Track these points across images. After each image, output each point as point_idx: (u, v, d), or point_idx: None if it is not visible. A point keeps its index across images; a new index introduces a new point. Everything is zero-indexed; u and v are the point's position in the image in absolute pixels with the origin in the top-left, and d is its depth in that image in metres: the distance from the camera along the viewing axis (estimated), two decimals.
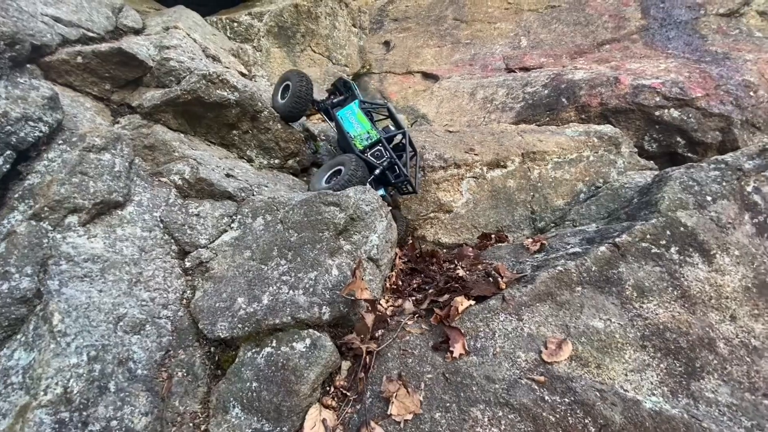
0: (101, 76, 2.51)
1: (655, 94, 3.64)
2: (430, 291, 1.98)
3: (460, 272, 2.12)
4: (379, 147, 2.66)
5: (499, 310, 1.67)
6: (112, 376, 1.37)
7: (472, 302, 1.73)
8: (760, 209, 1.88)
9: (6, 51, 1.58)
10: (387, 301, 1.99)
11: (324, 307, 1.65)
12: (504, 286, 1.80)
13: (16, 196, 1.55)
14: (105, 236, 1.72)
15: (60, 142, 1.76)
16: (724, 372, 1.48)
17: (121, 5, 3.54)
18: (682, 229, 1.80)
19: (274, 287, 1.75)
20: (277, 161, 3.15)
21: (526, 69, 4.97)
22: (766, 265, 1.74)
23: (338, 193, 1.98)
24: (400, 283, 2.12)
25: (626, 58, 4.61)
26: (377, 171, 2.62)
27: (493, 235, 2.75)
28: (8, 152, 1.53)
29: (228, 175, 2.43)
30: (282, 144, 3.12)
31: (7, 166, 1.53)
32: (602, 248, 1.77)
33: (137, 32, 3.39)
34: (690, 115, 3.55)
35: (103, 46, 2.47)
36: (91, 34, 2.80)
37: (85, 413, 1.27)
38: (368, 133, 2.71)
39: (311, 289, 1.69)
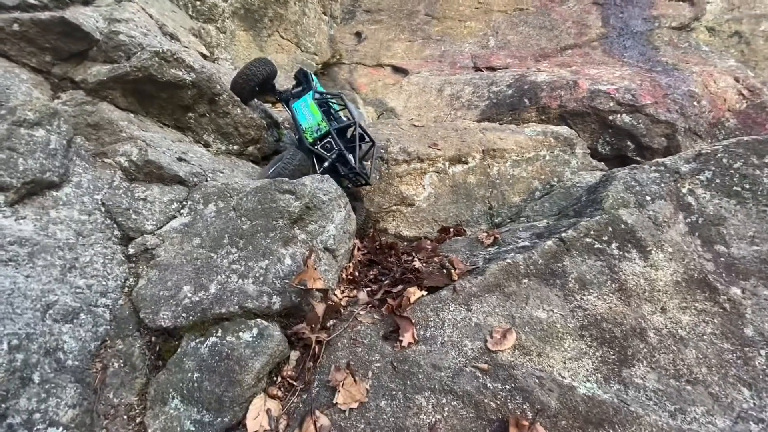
0: (41, 47, 2.32)
1: (610, 100, 3.83)
2: (386, 282, 1.99)
3: (417, 264, 2.14)
4: (329, 139, 2.63)
5: (449, 300, 1.70)
6: (36, 367, 1.27)
7: (425, 293, 1.75)
8: (693, 209, 2.01)
9: None
10: (342, 292, 1.97)
11: (274, 296, 1.62)
12: (456, 278, 1.84)
13: None
14: (36, 218, 1.59)
15: None
16: (653, 360, 1.58)
17: None
18: (622, 226, 1.90)
19: (223, 276, 1.69)
20: (236, 147, 3.05)
21: (492, 68, 5.08)
22: (695, 262, 1.87)
23: (294, 180, 1.94)
24: (357, 274, 2.11)
25: (586, 63, 4.81)
26: (326, 163, 2.61)
27: (451, 229, 2.80)
28: None
29: (180, 159, 2.32)
30: (242, 130, 3.02)
31: None
32: (549, 242, 1.84)
33: (86, 2, 3.14)
34: (640, 121, 3.75)
35: (44, 15, 2.27)
36: (32, 1, 2.58)
37: (3, 405, 1.18)
38: (318, 125, 2.69)
39: (261, 278, 1.65)
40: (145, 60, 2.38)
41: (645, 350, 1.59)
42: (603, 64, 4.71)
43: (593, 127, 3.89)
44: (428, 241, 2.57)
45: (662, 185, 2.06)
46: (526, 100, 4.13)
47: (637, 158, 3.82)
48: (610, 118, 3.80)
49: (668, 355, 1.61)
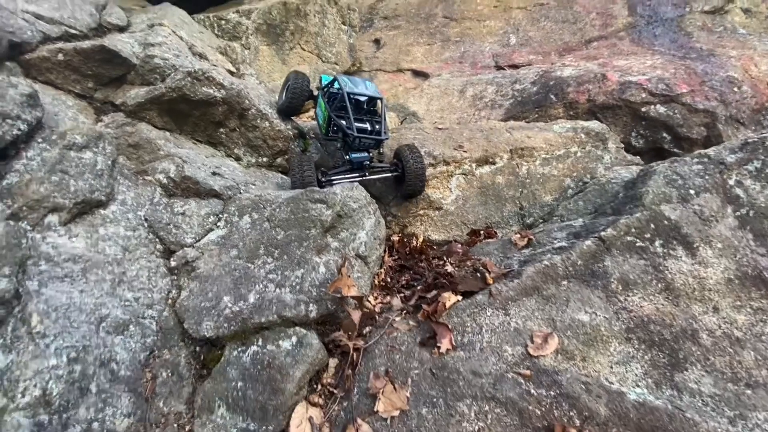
0: (84, 74, 2.47)
1: (642, 91, 3.68)
2: (419, 287, 1.98)
3: (449, 268, 2.12)
4: (332, 124, 2.78)
5: (486, 305, 1.67)
6: (93, 378, 1.34)
7: (460, 298, 1.73)
8: (742, 202, 1.90)
9: None
10: (375, 298, 1.98)
11: (311, 304, 1.64)
12: (491, 281, 1.81)
13: None
14: (87, 236, 1.69)
15: (40, 140, 1.72)
16: (708, 363, 1.49)
17: (105, 2, 3.49)
18: (665, 222, 1.82)
19: (261, 285, 1.73)
20: (265, 159, 3.13)
21: (515, 66, 4.99)
22: (748, 257, 1.76)
23: (325, 190, 1.97)
24: (389, 279, 2.11)
25: (614, 55, 4.65)
26: (338, 143, 2.83)
27: (482, 231, 2.76)
28: None
29: (214, 173, 2.40)
30: (270, 142, 3.10)
31: None
32: (588, 242, 1.78)
33: (122, 30, 3.34)
34: (676, 111, 3.59)
35: (86, 44, 2.42)
36: (73, 32, 2.76)
37: (65, 415, 1.25)
38: (323, 113, 2.86)
39: (298, 287, 1.68)
40: (178, 80, 2.49)
41: (698, 353, 1.51)
42: (632, 54, 4.54)
43: (625, 120, 3.75)
44: (459, 245, 2.54)
45: (707, 177, 1.96)
46: (552, 96, 4.03)
47: (675, 150, 3.65)
48: (643, 109, 3.65)
49: (724, 358, 1.52)
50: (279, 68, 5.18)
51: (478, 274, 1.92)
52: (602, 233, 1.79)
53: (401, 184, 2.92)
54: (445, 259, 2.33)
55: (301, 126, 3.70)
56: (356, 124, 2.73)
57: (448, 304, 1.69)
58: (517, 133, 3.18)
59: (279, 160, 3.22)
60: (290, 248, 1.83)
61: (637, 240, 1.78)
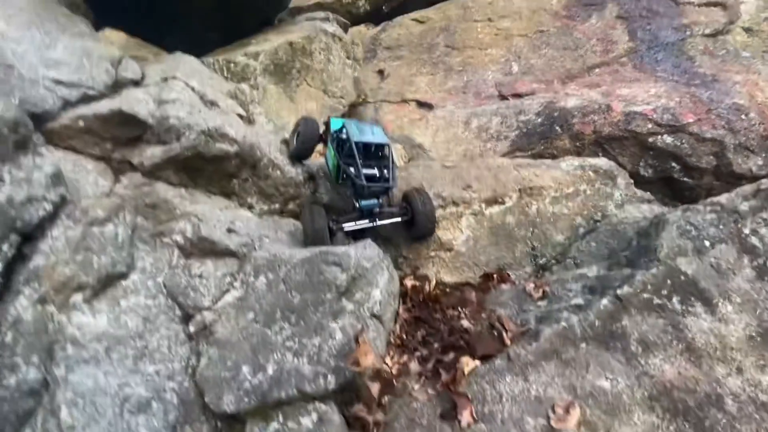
0: (102, 137, 2.56)
1: (648, 121, 3.69)
2: (435, 346, 1.98)
3: (465, 323, 2.12)
4: (342, 171, 2.84)
5: (505, 370, 1.67)
6: None
7: (478, 363, 1.73)
8: (758, 252, 1.88)
9: (10, 136, 1.62)
10: (392, 358, 1.98)
11: (329, 375, 1.65)
12: (509, 342, 1.80)
13: (22, 279, 1.57)
14: (109, 310, 1.73)
15: (64, 217, 1.78)
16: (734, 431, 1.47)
17: (120, 57, 3.63)
18: (682, 277, 1.81)
19: (279, 354, 1.75)
20: (277, 206, 3.18)
21: (518, 95, 5.05)
22: None
23: (339, 252, 2.00)
24: (405, 336, 2.12)
25: (616, 81, 4.68)
26: (348, 192, 2.90)
27: (495, 275, 2.76)
28: (13, 237, 1.55)
29: (229, 231, 2.45)
30: (281, 189, 3.16)
31: (13, 251, 1.55)
32: (604, 301, 1.77)
33: (136, 83, 3.46)
34: (683, 141, 3.59)
35: (104, 109, 2.52)
36: (91, 93, 2.86)
37: None
38: (333, 160, 2.94)
39: (316, 357, 1.69)
40: (193, 140, 2.57)
41: (724, 421, 1.48)
42: (635, 80, 4.57)
43: (632, 151, 3.76)
44: (473, 292, 2.54)
45: (721, 227, 1.95)
46: (557, 128, 4.06)
47: (685, 179, 3.64)
48: (650, 140, 3.66)
49: (750, 425, 1.49)
50: (287, 105, 5.30)
51: (495, 333, 1.92)
52: (619, 291, 1.79)
53: (411, 228, 2.95)
54: (459, 309, 2.34)
55: (311, 168, 3.77)
56: (365, 170, 2.80)
57: (466, 371, 1.69)
58: (524, 171, 3.20)
59: (290, 205, 3.27)
60: (306, 313, 1.85)
61: (655, 297, 1.77)
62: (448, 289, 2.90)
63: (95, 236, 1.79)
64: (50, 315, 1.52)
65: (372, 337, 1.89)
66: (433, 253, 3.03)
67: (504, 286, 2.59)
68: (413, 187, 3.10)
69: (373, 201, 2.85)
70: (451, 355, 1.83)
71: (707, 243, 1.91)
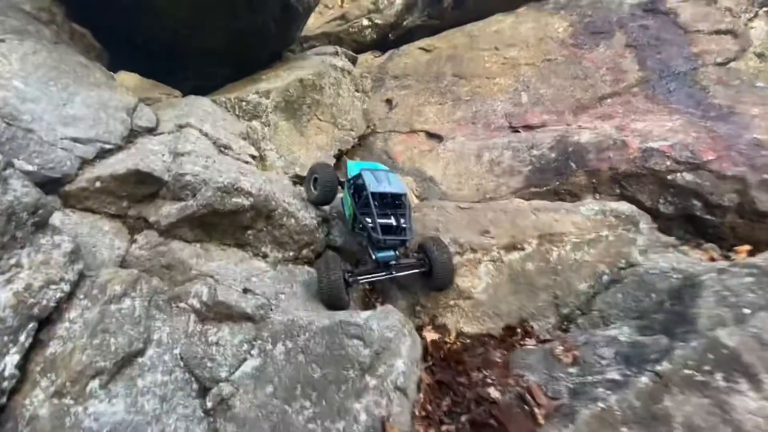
0: (119, 196, 2.55)
1: (666, 158, 3.63)
2: (463, 420, 1.89)
3: (491, 391, 2.03)
4: (358, 221, 2.82)
5: None
6: None
7: None
8: None
9: (29, 219, 1.60)
10: None
11: None
12: (542, 421, 1.71)
13: (39, 369, 1.52)
14: (126, 394, 1.67)
15: (81, 296, 1.75)
16: None
17: (135, 104, 3.67)
18: (724, 351, 1.71)
19: None
20: (291, 254, 3.14)
21: (529, 127, 5.02)
22: None
23: (360, 323, 1.93)
24: (429, 407, 2.02)
25: (629, 113, 4.64)
26: (364, 242, 2.89)
27: (518, 329, 2.67)
28: (31, 325, 1.51)
29: (245, 291, 2.40)
30: (296, 237, 3.12)
31: (30, 340, 1.51)
32: (644, 379, 1.68)
33: (151, 131, 3.49)
34: (704, 179, 3.51)
35: (120, 168, 2.51)
36: (107, 147, 2.88)
37: None
38: (349, 208, 2.95)
39: None
40: (209, 197, 2.55)
41: None
42: (648, 112, 4.53)
43: (651, 188, 3.68)
44: (497, 350, 2.44)
45: (759, 292, 1.86)
46: (572, 164, 4.01)
47: (707, 216, 3.54)
48: (669, 177, 3.58)
49: None
50: (297, 140, 5.32)
51: (526, 407, 1.83)
52: (658, 368, 1.69)
53: (429, 278, 2.89)
54: (484, 372, 2.24)
55: (324, 210, 3.74)
56: (381, 221, 2.76)
57: None
58: (543, 215, 3.14)
59: (305, 251, 3.23)
60: (328, 392, 1.77)
61: (696, 374, 1.67)
62: (468, 341, 2.81)
63: (112, 315, 1.74)
64: (67, 408, 1.47)
65: (396, 412, 1.81)
66: (452, 302, 2.95)
67: (529, 343, 2.49)
68: (430, 236, 3.05)
69: (390, 253, 2.80)
70: None
71: (747, 310, 1.82)
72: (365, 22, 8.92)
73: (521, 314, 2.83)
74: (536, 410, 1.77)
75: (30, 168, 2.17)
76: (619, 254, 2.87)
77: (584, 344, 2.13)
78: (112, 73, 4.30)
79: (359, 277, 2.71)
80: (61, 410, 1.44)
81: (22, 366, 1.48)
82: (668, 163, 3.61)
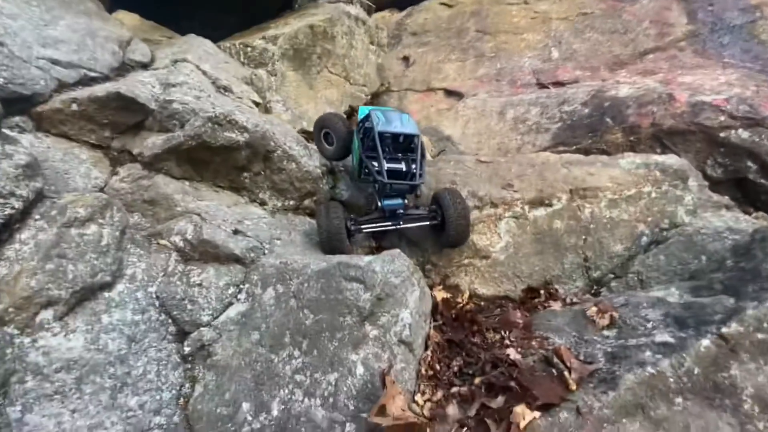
0: (99, 123, 2.28)
1: (719, 113, 3.18)
2: (477, 382, 1.62)
3: (511, 352, 1.75)
4: (364, 166, 2.53)
5: (574, 428, 1.29)
6: None
7: (537, 414, 1.35)
8: None
9: None
10: (423, 395, 1.63)
11: (347, 424, 1.32)
12: (574, 387, 1.42)
13: None
14: (87, 329, 1.44)
15: (37, 216, 1.50)
16: None
17: (129, 38, 3.36)
18: None
19: (286, 390, 1.43)
20: (292, 203, 2.86)
21: (560, 84, 4.56)
22: None
23: (362, 265, 1.65)
24: (438, 366, 1.76)
25: (675, 68, 4.14)
26: (369, 189, 2.66)
27: (541, 291, 2.37)
28: None
29: (236, 232, 2.14)
30: (297, 184, 2.83)
31: None
32: (705, 342, 1.36)
33: (145, 66, 3.19)
34: (763, 137, 3.06)
35: (100, 91, 2.24)
36: (92, 75, 2.60)
37: None
38: (356, 154, 2.65)
39: (331, 399, 1.36)
40: (198, 127, 2.27)
41: None
42: (698, 67, 4.02)
43: (699, 147, 3.25)
44: (516, 312, 2.15)
45: None
46: (608, 120, 3.58)
47: (762, 181, 3.12)
48: (722, 135, 3.15)
49: None
50: (306, 93, 4.97)
51: (554, 371, 1.54)
52: (724, 329, 1.37)
53: (441, 233, 2.57)
54: (502, 333, 1.96)
55: (330, 162, 3.43)
56: (389, 165, 2.45)
57: (522, 425, 1.32)
58: (576, 169, 2.77)
59: (307, 202, 2.94)
60: (321, 340, 1.51)
61: None
62: (483, 303, 2.53)
63: (72, 240, 1.50)
64: (9, 338, 1.25)
65: (400, 368, 1.55)
66: (466, 261, 2.64)
67: (554, 305, 2.19)
68: (445, 186, 2.71)
69: (398, 201, 2.49)
70: (500, 400, 1.47)
71: None
72: None
73: (545, 276, 2.51)
74: (567, 375, 1.48)
75: None
76: (662, 213, 2.50)
77: (623, 306, 1.82)
78: (108, 9, 3.98)
79: (362, 226, 2.42)
80: (1, 339, 1.22)
81: None
82: (722, 118, 3.16)
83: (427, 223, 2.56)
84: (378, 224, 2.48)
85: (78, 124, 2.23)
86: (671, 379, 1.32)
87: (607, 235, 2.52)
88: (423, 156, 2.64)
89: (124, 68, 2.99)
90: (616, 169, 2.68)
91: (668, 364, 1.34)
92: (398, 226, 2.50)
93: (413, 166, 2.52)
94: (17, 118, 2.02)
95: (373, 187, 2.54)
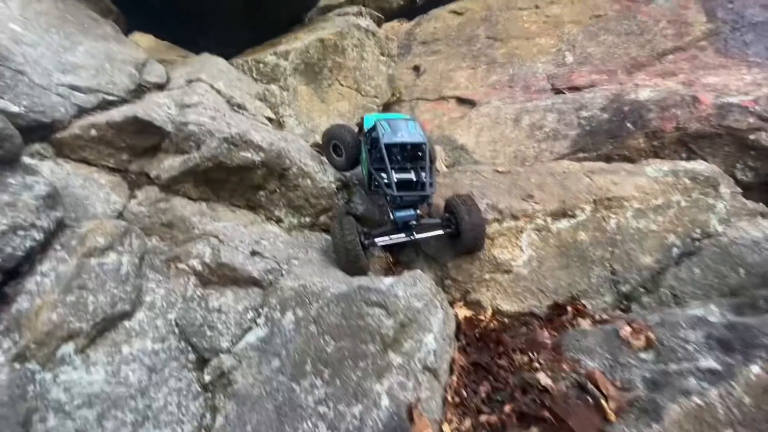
0: (117, 147, 2.30)
1: (748, 114, 3.04)
2: (507, 410, 1.54)
3: (541, 377, 1.67)
4: (373, 178, 2.49)
5: None
6: None
7: None
8: None
9: None
10: (450, 423, 1.56)
11: None
12: (613, 417, 1.34)
13: (1, 328, 1.29)
14: (107, 361, 1.42)
15: (58, 246, 1.50)
16: None
17: (145, 60, 3.42)
18: None
19: (309, 423, 1.38)
20: (308, 219, 2.84)
21: (576, 88, 4.46)
22: None
23: (383, 289, 1.60)
24: (464, 392, 1.69)
25: (697, 69, 4.01)
26: (381, 202, 2.63)
27: (568, 307, 2.27)
28: None
29: (254, 253, 2.12)
30: (313, 200, 2.81)
31: None
32: (755, 369, 1.27)
33: (161, 87, 3.23)
34: None
35: (117, 115, 2.26)
36: (111, 98, 2.63)
37: None
38: (365, 166, 2.61)
39: None
40: (214, 148, 2.26)
41: None
42: (721, 67, 3.89)
43: (727, 150, 3.12)
44: (544, 330, 2.06)
45: None
46: (629, 125, 3.48)
47: None
48: (752, 137, 3.01)
49: None
50: (318, 107, 4.99)
51: (589, 399, 1.46)
52: None
53: (456, 240, 2.51)
54: (530, 354, 1.88)
55: (344, 175, 3.41)
56: (398, 175, 2.42)
57: None
58: (599, 178, 2.67)
59: (322, 218, 2.92)
60: (344, 369, 1.46)
61: None
62: (507, 320, 2.44)
63: (92, 270, 1.49)
64: (31, 374, 1.23)
65: (425, 396, 1.49)
66: (487, 276, 2.57)
67: (583, 323, 2.10)
68: (456, 193, 2.65)
69: (410, 212, 2.43)
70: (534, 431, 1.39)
71: None
72: None
73: (571, 291, 2.42)
74: (604, 403, 1.39)
75: (15, 109, 1.93)
76: (693, 222, 2.39)
77: (659, 325, 1.72)
78: (125, 32, 4.07)
79: (376, 239, 2.38)
80: (24, 376, 1.20)
81: None
82: (751, 119, 3.03)
83: (442, 231, 2.50)
84: (392, 237, 2.43)
85: (97, 148, 2.25)
86: (720, 410, 1.22)
87: (635, 246, 2.41)
88: (432, 162, 2.60)
89: (140, 90, 3.03)
90: (642, 177, 2.58)
91: (716, 393, 1.25)
92: (412, 238, 2.45)
93: (423, 174, 2.47)
94: (38, 146, 2.04)
95: (384, 199, 2.51)
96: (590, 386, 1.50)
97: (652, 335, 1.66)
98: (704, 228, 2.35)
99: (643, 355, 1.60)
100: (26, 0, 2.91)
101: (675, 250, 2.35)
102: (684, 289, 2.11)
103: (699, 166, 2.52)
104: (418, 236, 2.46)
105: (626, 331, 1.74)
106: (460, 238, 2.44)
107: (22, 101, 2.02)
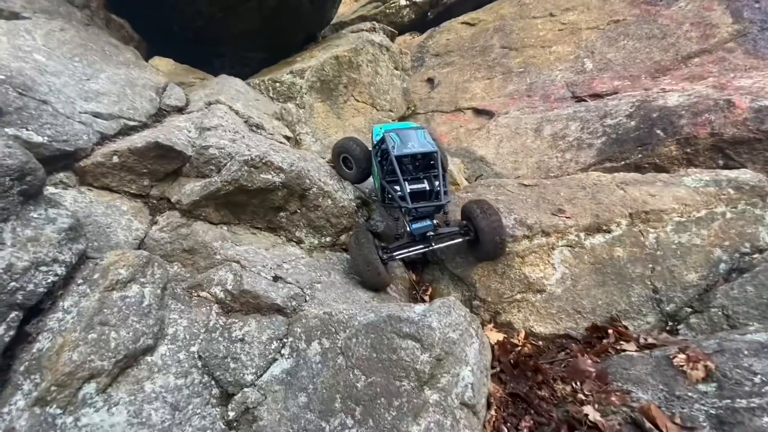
0: (139, 173, 2.29)
1: None
2: None
3: (589, 411, 1.53)
4: (386, 191, 2.43)
5: None
6: None
7: None
8: None
9: (14, 187, 1.32)
10: None
11: None
12: None
13: (22, 369, 1.24)
14: (129, 400, 1.35)
15: (80, 281, 1.46)
16: None
17: (165, 84, 3.45)
18: None
19: None
20: (328, 239, 2.77)
21: (598, 96, 4.33)
22: None
23: (415, 318, 1.50)
24: (505, 429, 1.56)
25: (727, 71, 3.84)
26: (396, 215, 2.57)
27: (609, 330, 2.12)
28: (13, 314, 1.23)
29: (276, 278, 2.05)
30: (333, 220, 2.74)
31: (12, 332, 1.22)
32: None
33: (180, 110, 3.25)
34: None
35: (139, 141, 2.25)
36: (132, 123, 2.64)
37: None
38: (377, 179, 2.58)
39: None
40: (234, 172, 2.23)
41: None
42: (753, 69, 3.71)
43: (767, 156, 2.94)
44: (587, 359, 1.92)
45: None
46: (658, 132, 3.33)
47: None
48: None
49: None
50: (334, 123, 4.98)
51: None
52: None
53: (477, 247, 2.41)
54: (573, 384, 1.74)
55: (365, 194, 3.35)
56: (411, 186, 2.36)
57: None
58: (633, 189, 2.53)
59: (343, 237, 2.85)
60: (376, 407, 1.36)
61: None
62: (542, 343, 2.30)
63: (114, 304, 1.44)
64: (51, 419, 1.17)
65: None
66: (518, 296, 2.44)
67: (628, 347, 1.95)
68: (471, 200, 2.54)
69: (426, 223, 2.36)
70: None
71: None
72: (402, 2, 8.44)
73: (609, 311, 2.27)
74: None
75: (40, 139, 1.93)
76: (741, 236, 2.22)
77: (718, 352, 1.57)
78: (146, 57, 4.16)
79: (394, 253, 2.30)
80: (43, 421, 1.15)
81: (5, 366, 1.21)
82: None
83: (460, 239, 2.41)
84: (410, 249, 2.35)
85: (119, 175, 2.24)
86: None
87: (678, 262, 2.26)
88: (445, 170, 2.52)
89: (161, 114, 3.05)
90: (681, 188, 2.43)
91: None
92: (431, 248, 2.36)
93: (436, 183, 2.40)
94: (61, 174, 2.04)
95: (399, 211, 2.43)
96: (647, 423, 1.36)
97: (711, 364, 1.51)
98: (754, 242, 2.19)
99: (703, 388, 1.46)
100: (50, 30, 2.98)
101: (723, 266, 2.19)
102: (737, 309, 1.95)
103: (743, 175, 2.36)
104: (436, 246, 2.38)
105: (680, 359, 1.60)
106: (479, 243, 2.35)
107: (46, 131, 2.03)
